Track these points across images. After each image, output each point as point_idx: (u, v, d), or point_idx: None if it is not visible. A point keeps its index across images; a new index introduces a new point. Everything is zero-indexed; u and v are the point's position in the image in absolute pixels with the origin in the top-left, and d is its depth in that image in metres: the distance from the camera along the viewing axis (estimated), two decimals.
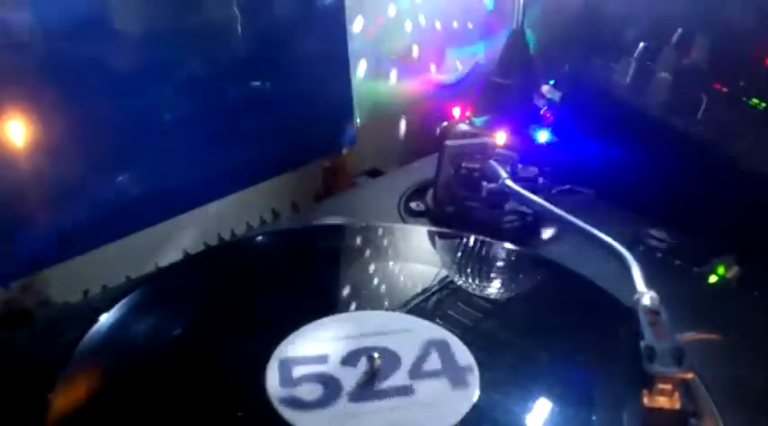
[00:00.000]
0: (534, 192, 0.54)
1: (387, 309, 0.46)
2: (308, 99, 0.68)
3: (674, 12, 0.63)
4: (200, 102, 0.60)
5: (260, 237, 0.59)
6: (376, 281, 0.50)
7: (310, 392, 0.39)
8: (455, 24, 0.81)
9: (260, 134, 0.66)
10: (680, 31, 0.62)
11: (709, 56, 0.61)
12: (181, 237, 0.60)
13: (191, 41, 0.58)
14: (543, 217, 0.57)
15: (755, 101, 0.58)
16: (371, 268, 0.52)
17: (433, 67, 0.81)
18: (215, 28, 0.60)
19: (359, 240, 0.55)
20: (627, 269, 0.44)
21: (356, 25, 0.72)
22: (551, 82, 0.71)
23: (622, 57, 0.65)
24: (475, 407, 0.38)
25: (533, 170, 0.62)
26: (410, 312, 0.46)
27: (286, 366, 0.40)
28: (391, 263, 0.52)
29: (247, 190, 0.67)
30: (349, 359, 0.41)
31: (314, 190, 0.74)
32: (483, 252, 0.53)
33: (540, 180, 0.60)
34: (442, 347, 0.42)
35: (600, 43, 0.69)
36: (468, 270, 0.51)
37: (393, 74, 0.78)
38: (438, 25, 0.80)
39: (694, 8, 0.62)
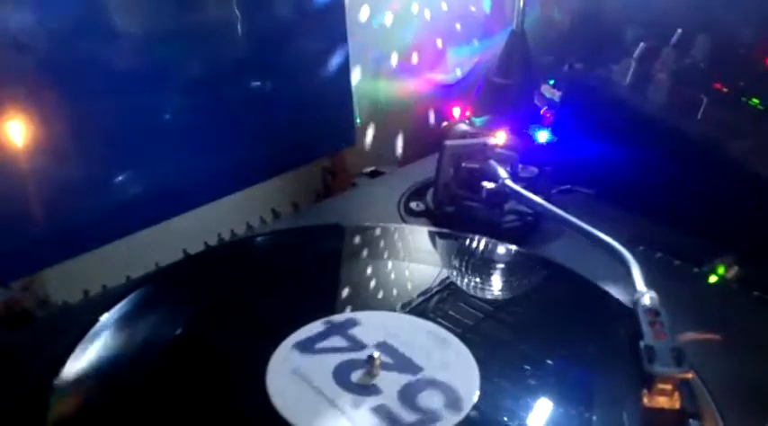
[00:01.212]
0: (534, 192, 0.54)
1: (388, 309, 0.46)
2: (308, 99, 0.68)
3: (674, 12, 0.63)
4: (201, 102, 0.60)
5: (260, 237, 0.59)
6: (376, 282, 0.50)
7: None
8: (455, 24, 0.81)
9: (260, 134, 0.66)
10: (680, 31, 0.62)
11: (710, 56, 0.61)
12: (181, 237, 0.60)
13: (191, 41, 0.58)
14: (543, 217, 0.57)
15: (755, 101, 0.58)
16: (372, 268, 0.52)
17: (432, 67, 0.81)
18: (215, 28, 0.60)
19: (359, 240, 0.55)
20: (627, 269, 0.44)
21: (356, 25, 0.71)
22: (551, 82, 0.71)
23: (622, 57, 0.65)
24: (475, 407, 0.38)
25: (533, 170, 0.62)
26: (411, 312, 0.46)
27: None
28: (392, 264, 0.52)
29: (247, 190, 0.67)
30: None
31: (314, 190, 0.74)
32: (483, 253, 0.53)
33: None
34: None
35: (599, 43, 0.69)
36: (469, 271, 0.51)
37: (393, 74, 0.77)
38: (438, 25, 0.80)
39: (694, 8, 0.62)
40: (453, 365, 0.41)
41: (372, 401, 0.38)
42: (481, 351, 0.42)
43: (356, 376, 0.40)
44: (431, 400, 0.38)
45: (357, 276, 0.51)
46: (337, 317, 0.45)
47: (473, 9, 0.82)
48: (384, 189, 0.66)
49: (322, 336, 0.43)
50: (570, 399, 0.40)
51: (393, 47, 0.77)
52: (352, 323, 0.44)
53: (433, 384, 0.39)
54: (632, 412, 0.37)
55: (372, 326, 0.44)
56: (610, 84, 0.65)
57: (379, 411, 0.38)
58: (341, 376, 0.40)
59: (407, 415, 0.37)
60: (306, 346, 0.42)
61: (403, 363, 0.41)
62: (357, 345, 0.42)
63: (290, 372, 0.40)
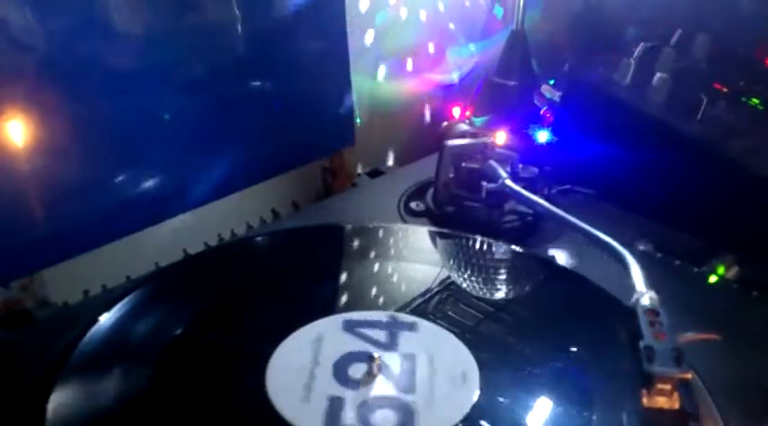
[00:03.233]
0: (534, 192, 0.54)
1: (387, 310, 0.46)
2: (308, 98, 0.68)
3: (674, 12, 0.63)
4: (200, 102, 0.60)
5: (260, 237, 0.59)
6: (376, 282, 0.50)
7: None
8: (455, 24, 0.81)
9: (260, 134, 0.66)
10: (680, 31, 0.62)
11: (709, 56, 0.61)
12: (181, 237, 0.60)
13: (191, 41, 0.58)
14: (543, 217, 0.57)
15: (755, 101, 0.58)
16: (371, 268, 0.52)
17: (432, 67, 0.81)
18: (215, 28, 0.60)
19: (359, 240, 0.55)
20: (626, 269, 0.44)
21: (356, 25, 0.71)
22: (551, 82, 0.71)
23: (622, 57, 0.65)
24: (475, 407, 0.38)
25: (533, 170, 0.62)
26: (411, 312, 0.46)
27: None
28: (392, 264, 0.52)
29: (247, 190, 0.67)
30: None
31: (314, 190, 0.74)
32: (483, 253, 0.53)
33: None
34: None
35: (600, 43, 0.69)
36: (469, 271, 0.51)
37: (393, 74, 0.77)
38: (438, 25, 0.80)
39: (694, 8, 0.62)
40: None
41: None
42: (481, 351, 0.42)
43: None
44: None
45: (357, 276, 0.51)
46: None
47: (472, 9, 0.82)
48: (384, 189, 0.66)
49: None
50: (570, 399, 0.40)
51: (393, 47, 0.77)
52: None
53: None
54: (632, 412, 0.37)
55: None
56: (610, 84, 0.65)
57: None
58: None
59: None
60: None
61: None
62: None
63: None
